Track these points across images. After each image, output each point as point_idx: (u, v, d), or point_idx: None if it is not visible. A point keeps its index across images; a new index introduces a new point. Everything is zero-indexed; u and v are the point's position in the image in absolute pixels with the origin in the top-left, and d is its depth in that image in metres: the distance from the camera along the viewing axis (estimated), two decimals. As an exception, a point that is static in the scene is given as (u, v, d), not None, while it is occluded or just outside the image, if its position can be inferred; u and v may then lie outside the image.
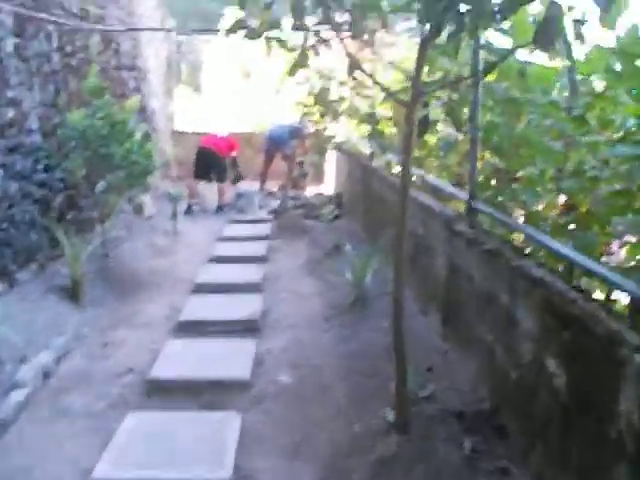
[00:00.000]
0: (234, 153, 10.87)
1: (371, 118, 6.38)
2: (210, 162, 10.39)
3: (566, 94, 4.06)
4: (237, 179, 11.04)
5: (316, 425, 4.01)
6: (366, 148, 8.30)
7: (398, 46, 7.01)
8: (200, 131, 11.49)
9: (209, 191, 10.72)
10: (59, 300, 5.88)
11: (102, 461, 3.58)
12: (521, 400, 3.29)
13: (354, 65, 3.81)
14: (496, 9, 2.66)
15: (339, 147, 9.62)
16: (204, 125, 11.54)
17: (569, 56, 2.42)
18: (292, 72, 3.99)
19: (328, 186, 11.83)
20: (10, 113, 5.96)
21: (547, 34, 2.38)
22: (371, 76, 3.59)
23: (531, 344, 3.12)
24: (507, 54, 3.29)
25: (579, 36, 2.49)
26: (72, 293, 6.01)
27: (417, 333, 4.70)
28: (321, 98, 8.20)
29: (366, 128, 7.51)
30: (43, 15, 6.45)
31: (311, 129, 10.81)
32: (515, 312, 3.32)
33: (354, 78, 4.87)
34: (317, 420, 4.06)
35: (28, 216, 6.14)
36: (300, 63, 3.91)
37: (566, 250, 3.05)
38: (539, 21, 2.38)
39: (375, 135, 5.92)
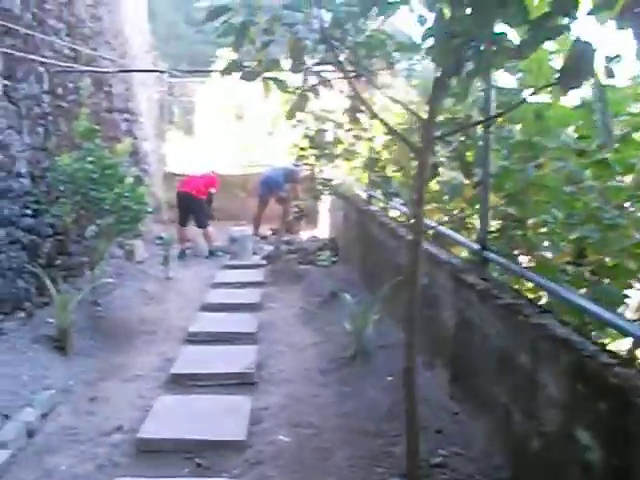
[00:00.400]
0: (212, 190, 10.67)
1: (372, 162, 6.19)
2: (190, 206, 10.24)
3: (576, 135, 3.90)
4: (208, 219, 10.75)
5: (318, 494, 3.72)
6: (363, 192, 8.12)
7: (395, 87, 6.89)
8: (187, 173, 11.29)
9: (200, 235, 10.51)
10: (46, 351, 5.60)
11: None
12: (546, 472, 3.01)
13: (358, 106, 3.63)
14: (514, 46, 2.48)
15: (335, 191, 9.44)
16: (196, 167, 11.33)
17: (601, 97, 2.22)
18: (290, 115, 3.82)
19: (322, 230, 11.62)
20: (-3, 158, 5.77)
21: (576, 74, 2.18)
22: (380, 119, 3.38)
23: (558, 412, 2.86)
24: (523, 97, 3.10)
25: (610, 74, 2.31)
26: (59, 343, 5.74)
27: (423, 390, 4.39)
28: (317, 140, 8.05)
29: (364, 171, 7.34)
30: (34, 57, 6.30)
31: (306, 172, 10.68)
32: (537, 375, 3.05)
33: (354, 120, 4.70)
34: (319, 487, 3.76)
35: (15, 263, 5.91)
36: (299, 106, 3.74)
37: (597, 310, 2.77)
38: (567, 59, 2.19)
39: (377, 180, 5.72)
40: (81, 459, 4.16)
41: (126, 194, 6.71)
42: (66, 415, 4.77)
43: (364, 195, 8.07)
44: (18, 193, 6.10)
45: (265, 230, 11.44)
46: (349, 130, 7.03)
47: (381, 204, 7.22)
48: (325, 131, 7.77)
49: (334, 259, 9.09)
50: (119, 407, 4.91)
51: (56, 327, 5.81)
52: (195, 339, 6.22)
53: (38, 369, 5.25)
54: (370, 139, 6.72)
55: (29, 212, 6.26)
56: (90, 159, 6.60)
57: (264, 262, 9.55)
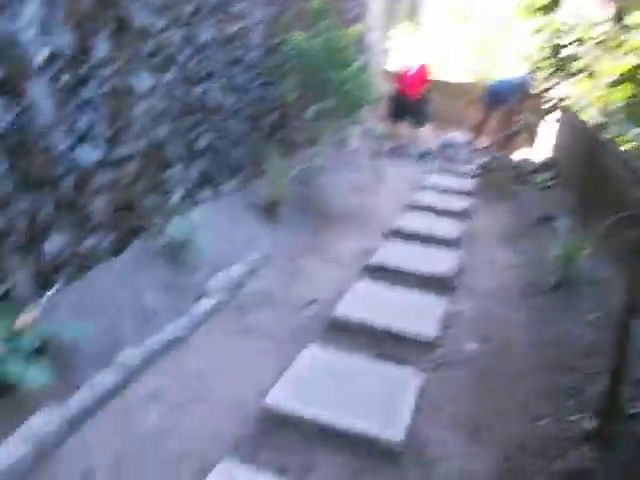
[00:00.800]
0: (426, 88, 10.32)
1: (630, 79, 5.52)
2: (406, 105, 10.05)
3: None
4: (423, 119, 10.48)
5: (500, 410, 3.61)
6: (598, 115, 7.42)
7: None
8: (403, 70, 10.89)
9: (415, 135, 10.34)
10: (255, 218, 5.90)
11: (276, 389, 3.47)
12: None
13: (619, 13, 3.20)
14: None
15: (564, 110, 8.73)
16: (416, 65, 10.85)
17: None
18: (553, 5, 3.45)
19: (540, 150, 10.92)
20: (234, 27, 5.92)
21: None
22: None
23: None
24: None
25: None
26: (268, 214, 5.99)
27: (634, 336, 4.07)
28: (555, 53, 7.40)
29: (608, 92, 6.63)
30: None
31: (536, 87, 9.95)
32: None
33: (612, 32, 4.21)
34: (501, 404, 3.65)
35: (239, 130, 6.15)
36: (552, 5, 3.37)
37: None
38: None
39: (626, 102, 5.11)
40: (276, 323, 4.40)
41: (351, 79, 6.66)
42: (267, 280, 5.03)
43: (599, 119, 7.37)
44: (249, 64, 6.27)
45: (483, 142, 10.97)
46: (599, 43, 6.34)
47: (619, 130, 6.53)
48: (567, 45, 7.11)
49: (551, 182, 8.51)
50: (316, 283, 5.08)
51: (267, 198, 6.06)
52: (398, 235, 6.21)
53: (247, 234, 5.54)
54: (626, 54, 5.99)
55: (257, 84, 6.44)
56: (320, 39, 6.59)
57: (476, 173, 9.20)
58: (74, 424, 3.16)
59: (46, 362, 3.32)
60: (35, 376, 3.21)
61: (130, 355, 3.65)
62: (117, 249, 4.45)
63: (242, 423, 3.33)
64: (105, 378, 3.46)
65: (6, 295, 3.62)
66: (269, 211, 6.00)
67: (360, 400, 3.42)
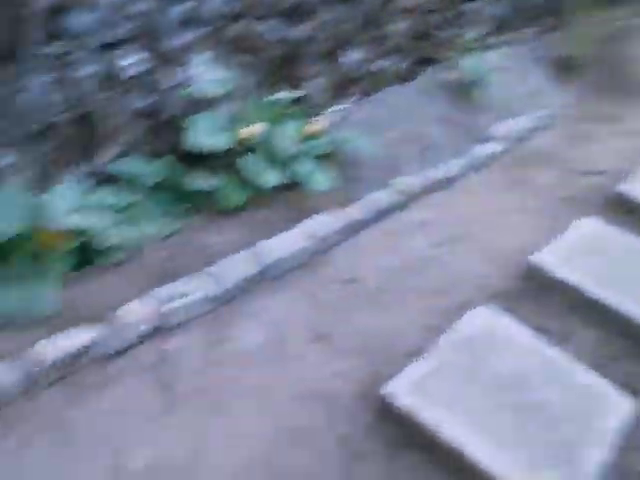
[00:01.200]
0: None
1: None
2: None
3: None
4: None
5: None
6: None
7: None
8: None
9: None
10: (547, 73, 5.48)
11: (545, 250, 3.31)
12: None
13: None
14: None
15: None
16: None
17: None
18: None
19: None
20: None
21: None
22: None
23: None
24: None
25: None
26: (563, 72, 5.51)
27: None
28: None
29: None
30: None
31: None
32: None
33: None
34: None
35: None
36: None
37: None
38: None
39: None
40: (556, 185, 4.15)
41: None
42: (551, 141, 4.73)
43: None
44: None
45: None
46: None
47: None
48: None
49: None
50: (603, 154, 4.61)
51: (564, 55, 5.56)
52: None
53: (536, 88, 5.23)
54: None
55: None
56: None
57: None
58: (347, 233, 3.32)
59: (331, 169, 3.47)
60: (320, 180, 3.37)
61: (406, 182, 3.69)
62: (409, 75, 4.40)
63: (503, 276, 3.27)
64: (381, 198, 3.55)
65: (302, 100, 3.77)
66: (564, 69, 5.51)
67: (634, 284, 3.16)
